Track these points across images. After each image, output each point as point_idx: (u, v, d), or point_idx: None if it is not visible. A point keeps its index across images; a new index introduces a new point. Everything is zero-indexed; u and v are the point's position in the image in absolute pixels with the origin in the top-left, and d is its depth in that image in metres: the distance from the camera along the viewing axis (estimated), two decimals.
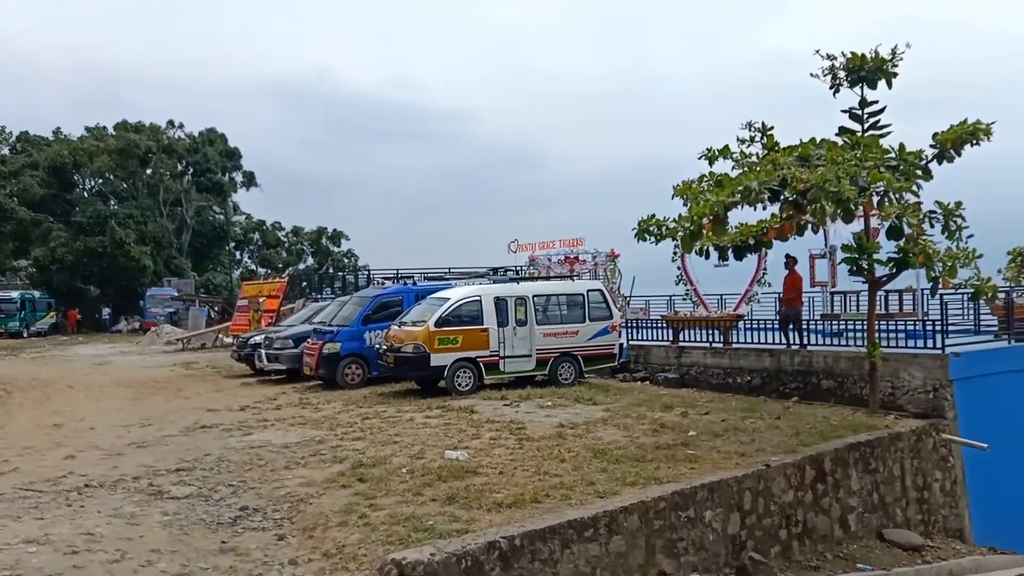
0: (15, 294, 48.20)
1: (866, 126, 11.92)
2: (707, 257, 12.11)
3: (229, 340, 31.63)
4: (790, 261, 16.22)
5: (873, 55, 11.68)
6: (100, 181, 59.28)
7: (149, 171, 58.51)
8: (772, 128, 11.83)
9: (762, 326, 17.51)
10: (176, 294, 48.03)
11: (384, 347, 16.55)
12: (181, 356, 29.27)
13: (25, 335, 45.94)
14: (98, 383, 20.38)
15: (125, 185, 58.98)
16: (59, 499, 8.61)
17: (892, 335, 14.34)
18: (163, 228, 56.34)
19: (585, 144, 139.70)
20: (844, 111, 12.06)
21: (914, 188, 10.93)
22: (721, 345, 17.34)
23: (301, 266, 69.23)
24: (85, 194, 58.74)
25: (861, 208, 10.85)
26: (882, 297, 16.57)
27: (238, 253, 69.74)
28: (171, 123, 60.67)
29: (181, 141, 59.52)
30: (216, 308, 45.25)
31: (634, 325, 20.79)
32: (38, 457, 10.93)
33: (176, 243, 58.17)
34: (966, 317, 16.67)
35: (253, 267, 68.93)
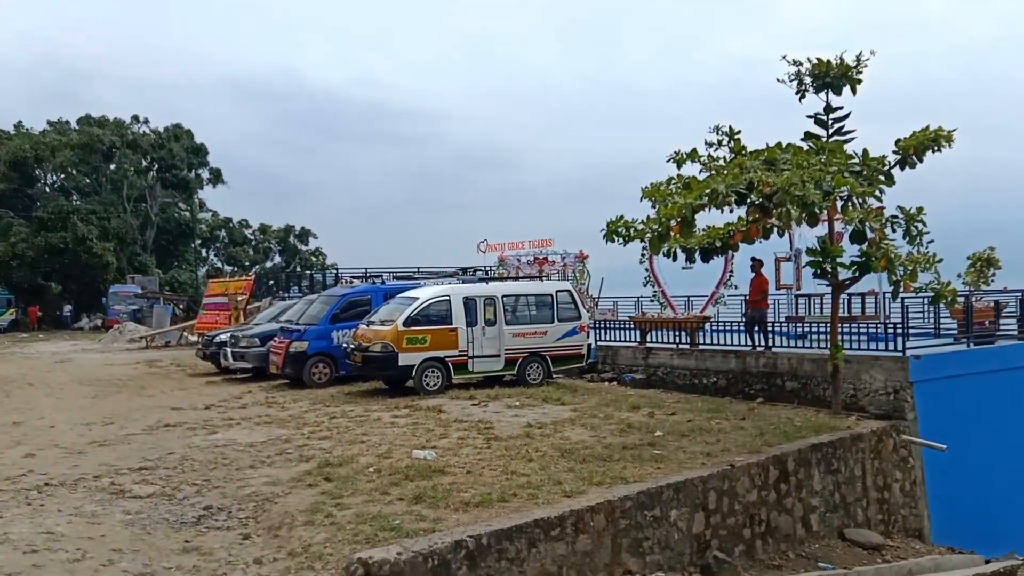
0: None
1: (831, 131, 12.12)
2: (675, 259, 12.21)
3: (194, 338, 31.25)
4: (756, 264, 16.42)
5: (838, 61, 11.87)
6: (62, 176, 58.11)
7: (113, 166, 57.53)
8: (739, 132, 12.00)
9: (728, 328, 17.70)
10: (140, 291, 47.26)
11: (352, 346, 16.47)
12: (144, 354, 28.84)
13: None
14: (59, 381, 20.03)
15: (88, 180, 57.93)
16: (18, 498, 8.46)
17: (855, 338, 14.59)
18: (127, 224, 55.43)
19: (555, 147, 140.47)
20: (809, 116, 12.25)
21: (877, 193, 11.14)
22: (688, 346, 17.49)
23: (268, 264, 68.53)
24: (47, 189, 57.58)
25: (825, 212, 11.04)
26: (845, 300, 16.85)
27: (204, 250, 68.89)
28: (136, 118, 59.84)
29: (146, 136, 58.61)
30: (181, 306, 44.65)
31: (602, 326, 20.92)
32: None
33: (140, 240, 57.28)
34: (927, 320, 17.00)
35: (219, 265, 68.10)
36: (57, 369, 23.29)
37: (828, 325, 13.57)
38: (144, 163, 58.82)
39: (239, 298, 30.14)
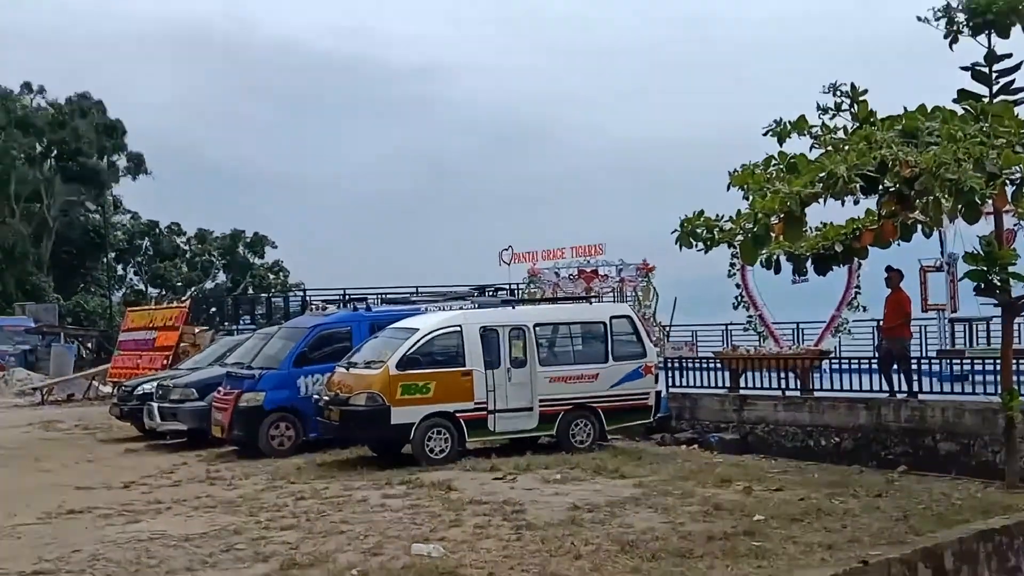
0: None
1: (995, 89, 12.04)
2: (777, 270, 12.17)
3: (107, 389, 31.54)
4: (893, 276, 16.31)
5: None
6: None
7: None
8: (865, 92, 11.92)
9: (855, 366, 17.56)
10: (33, 325, 47.94)
11: (326, 398, 16.53)
12: (40, 412, 29.17)
13: None
14: None
15: None
16: None
17: None
18: (14, 232, 56.27)
19: (603, 116, 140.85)
20: (964, 68, 12.18)
21: None
22: (798, 394, 17.39)
23: (209, 285, 69.26)
24: None
25: (990, 203, 10.94)
26: (1021, 326, 16.66)
27: (120, 267, 69.81)
28: (28, 86, 60.98)
29: (42, 112, 59.67)
30: (89, 344, 45.14)
31: (676, 366, 20.84)
32: None
33: (33, 254, 58.14)
34: None
35: (141, 287, 68.94)
36: None
37: (998, 361, 13.42)
38: (39, 148, 59.76)
39: (196, 330, 30.44)
